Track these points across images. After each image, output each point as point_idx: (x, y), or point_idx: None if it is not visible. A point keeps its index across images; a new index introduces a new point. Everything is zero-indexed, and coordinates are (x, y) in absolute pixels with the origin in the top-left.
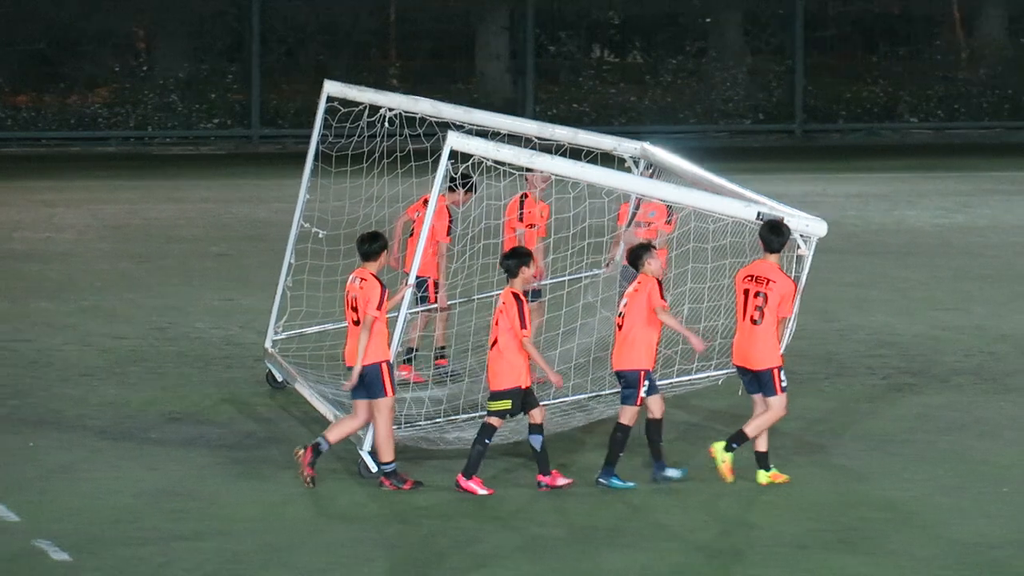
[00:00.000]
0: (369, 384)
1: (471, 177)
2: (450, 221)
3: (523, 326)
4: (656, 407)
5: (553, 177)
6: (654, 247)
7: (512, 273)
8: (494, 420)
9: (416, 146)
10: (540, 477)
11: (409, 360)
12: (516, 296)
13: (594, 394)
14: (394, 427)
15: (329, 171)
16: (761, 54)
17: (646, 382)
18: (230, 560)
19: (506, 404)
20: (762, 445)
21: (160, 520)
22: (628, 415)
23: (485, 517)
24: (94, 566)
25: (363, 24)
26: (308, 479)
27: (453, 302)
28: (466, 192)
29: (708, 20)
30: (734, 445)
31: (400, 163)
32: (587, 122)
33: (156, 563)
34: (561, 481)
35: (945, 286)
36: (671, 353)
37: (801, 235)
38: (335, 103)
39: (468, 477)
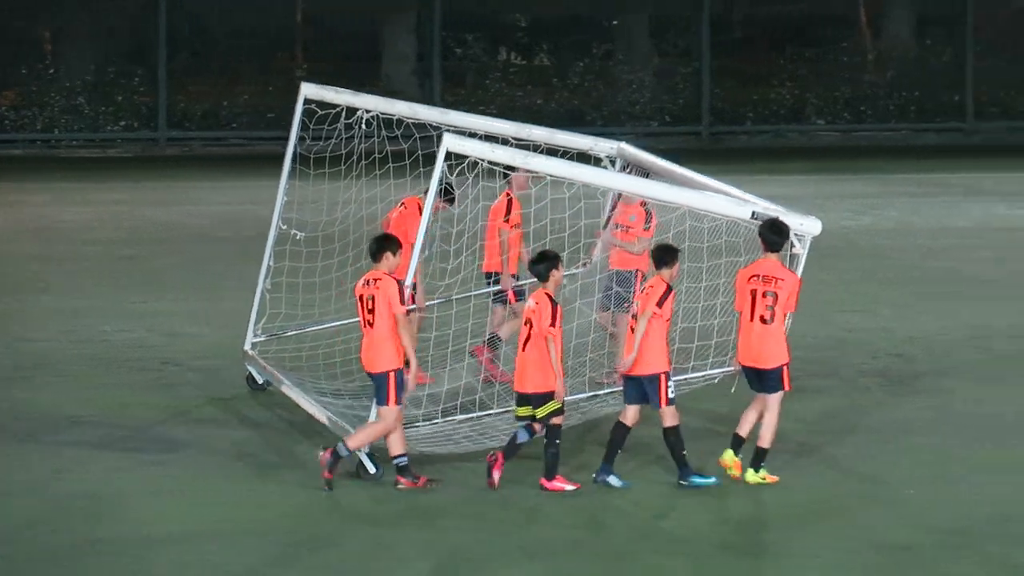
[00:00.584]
0: (376, 390)
1: (453, 190)
2: None
3: (552, 324)
4: (629, 418)
5: (531, 178)
6: (678, 251)
7: (543, 277)
8: (555, 420)
9: (393, 148)
10: (542, 481)
11: None
12: (549, 296)
13: (591, 394)
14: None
15: (307, 173)
16: (668, 56)
17: (669, 383)
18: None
19: (555, 405)
20: (766, 442)
21: (77, 523)
22: (669, 417)
23: (495, 518)
24: (6, 570)
25: (270, 26)
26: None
27: (431, 303)
28: (444, 201)
29: (615, 23)
30: (761, 464)
31: (378, 165)
32: None
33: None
34: (568, 486)
35: (852, 288)
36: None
37: (795, 234)
38: (312, 105)
39: (551, 479)
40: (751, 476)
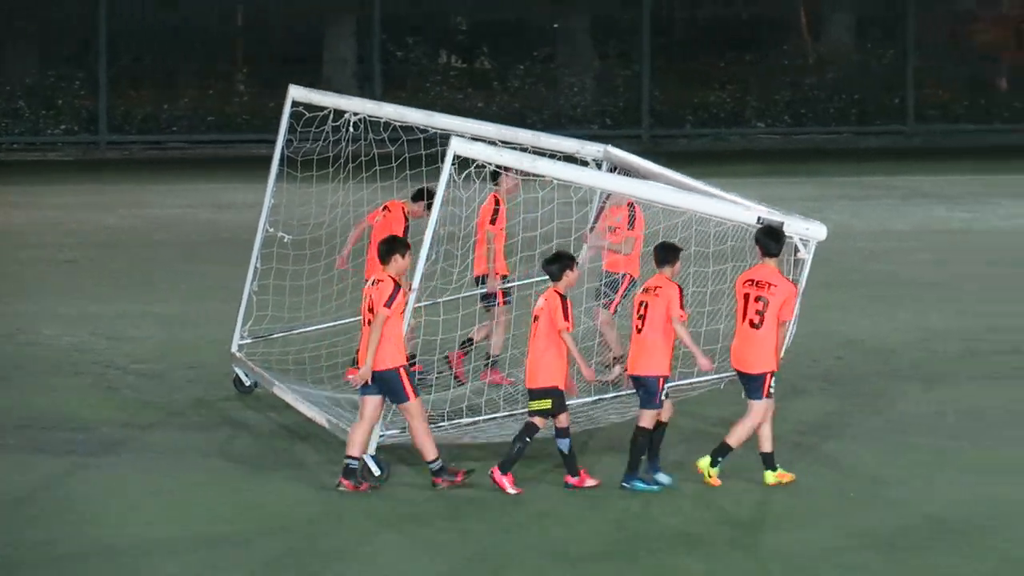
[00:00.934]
0: (391, 390)
1: (432, 197)
2: (406, 227)
3: (565, 318)
4: (664, 412)
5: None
6: (680, 250)
7: (556, 277)
8: (537, 420)
9: (380, 151)
10: (568, 478)
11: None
12: (559, 294)
13: (596, 398)
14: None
15: (295, 176)
16: (608, 59)
17: (665, 387)
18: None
19: (546, 404)
20: (767, 446)
21: (22, 529)
22: (647, 418)
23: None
24: None
25: (210, 30)
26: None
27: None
28: (426, 209)
29: (556, 26)
30: (719, 458)
31: (365, 167)
32: None
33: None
34: (589, 482)
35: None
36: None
37: (800, 239)
38: (300, 108)
39: (504, 472)
40: (769, 477)
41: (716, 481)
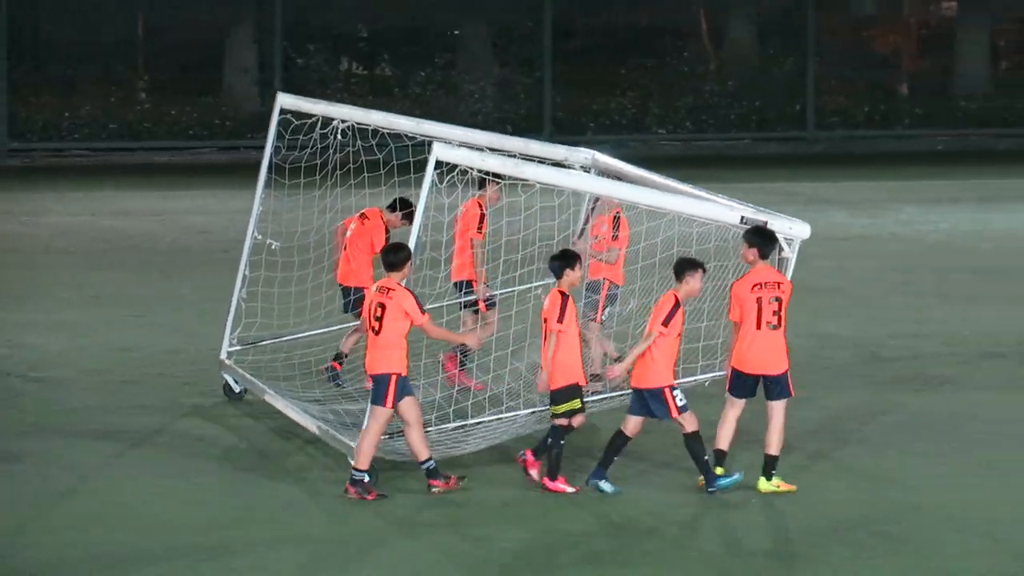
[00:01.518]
0: (375, 390)
1: (412, 207)
2: (387, 236)
3: (560, 320)
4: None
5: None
6: (702, 266)
7: (556, 275)
8: (561, 421)
9: (368, 157)
10: (546, 480)
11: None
12: (562, 293)
13: (533, 410)
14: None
15: (282, 183)
16: (509, 66)
17: (675, 392)
18: None
19: (575, 404)
20: (775, 449)
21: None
22: (688, 423)
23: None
24: None
25: (112, 37)
26: (376, 497)
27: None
28: (402, 219)
29: (456, 32)
30: (773, 472)
31: (353, 174)
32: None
33: None
34: (568, 489)
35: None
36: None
37: (785, 237)
38: (288, 115)
39: (553, 479)
40: (764, 485)
41: (789, 486)
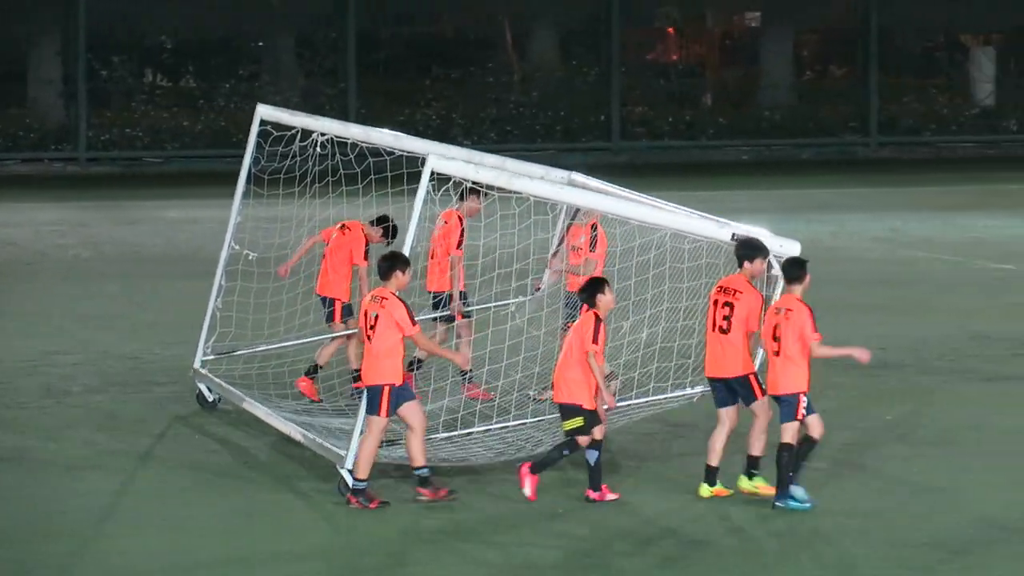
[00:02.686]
0: (369, 400)
1: (391, 222)
2: (366, 249)
3: (594, 341)
4: (814, 428)
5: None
6: (806, 262)
7: (590, 304)
8: (597, 433)
9: (347, 171)
10: (589, 492)
11: (313, 377)
12: (596, 316)
13: (539, 419)
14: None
15: (261, 194)
16: (314, 77)
17: (805, 400)
18: None
19: (578, 422)
20: (757, 449)
21: None
22: (789, 434)
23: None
24: None
25: None
26: (378, 505)
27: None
28: (382, 236)
29: (260, 44)
30: (752, 471)
31: (332, 187)
32: (139, 146)
33: None
34: (610, 496)
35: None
36: (643, 373)
37: (775, 255)
38: (268, 127)
39: (597, 489)
40: (744, 483)
41: (769, 488)
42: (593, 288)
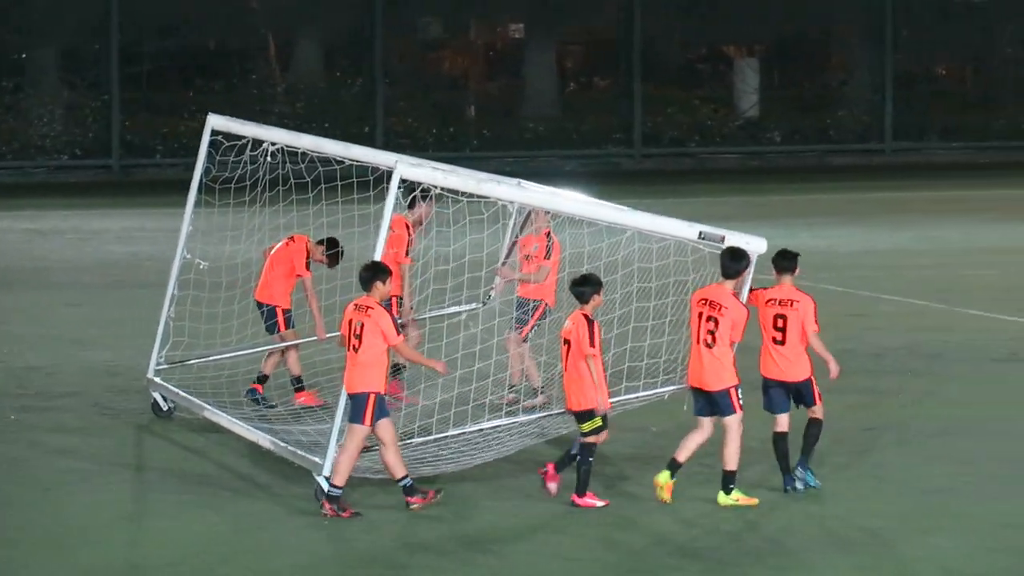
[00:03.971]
0: (353, 409)
1: (338, 245)
2: (307, 261)
3: (591, 344)
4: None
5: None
6: (798, 256)
7: (584, 299)
8: (591, 439)
9: (297, 180)
10: (575, 497)
11: (302, 388)
12: (586, 317)
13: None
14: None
15: (212, 203)
16: (77, 89)
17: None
18: None
19: (597, 422)
20: (732, 464)
21: None
22: (816, 411)
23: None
24: None
25: None
26: (351, 515)
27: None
28: (326, 256)
29: (23, 56)
30: (730, 486)
31: (282, 196)
32: None
33: None
34: (597, 503)
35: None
36: (615, 373)
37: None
38: (219, 137)
39: (581, 495)
40: (723, 499)
41: (750, 500)
42: (593, 286)
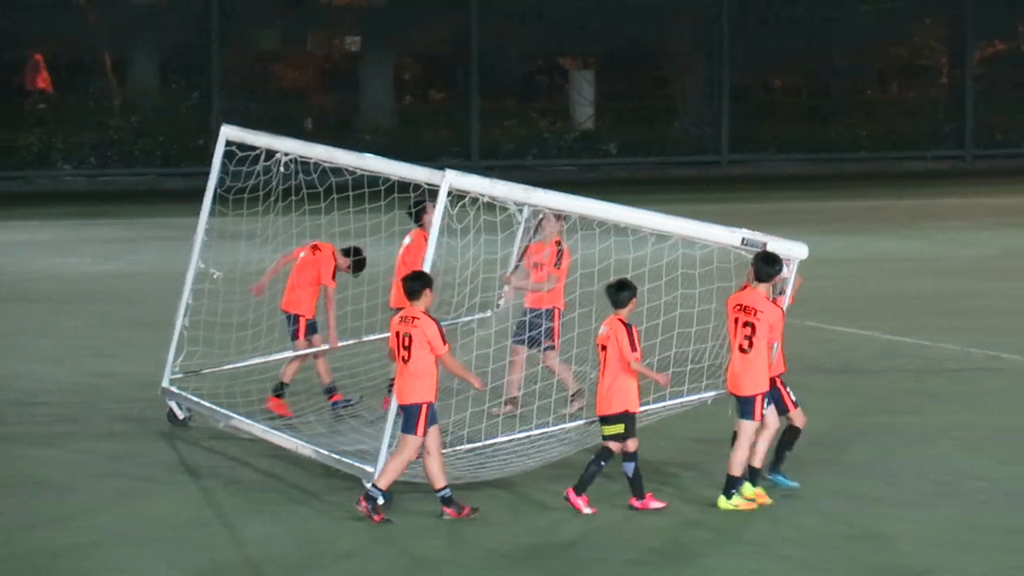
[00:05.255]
0: (405, 419)
1: (362, 253)
2: (334, 271)
3: (633, 348)
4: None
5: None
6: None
7: (622, 304)
8: (611, 444)
9: (310, 190)
10: (633, 500)
11: (280, 394)
12: (623, 322)
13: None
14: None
15: (225, 213)
16: None
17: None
18: None
19: (619, 428)
20: (737, 470)
21: None
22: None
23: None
24: None
25: None
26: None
27: (346, 342)
28: (349, 267)
29: None
30: (732, 491)
31: (295, 207)
32: None
33: None
34: (655, 504)
35: (103, 333)
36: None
37: (783, 258)
38: (232, 147)
39: (579, 493)
40: (723, 503)
41: (749, 504)
42: (631, 290)
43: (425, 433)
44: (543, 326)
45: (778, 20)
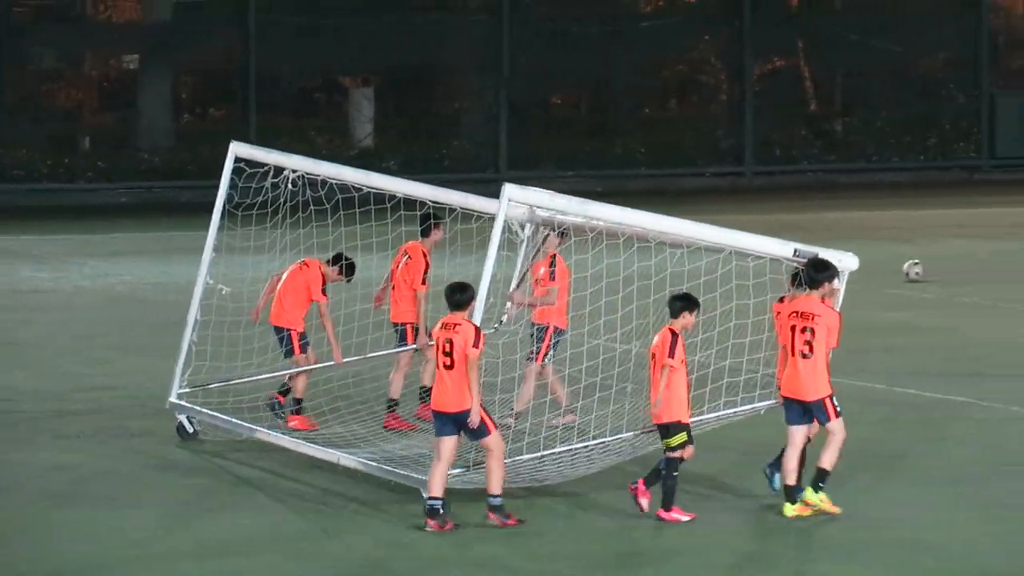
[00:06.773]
0: (468, 430)
1: (349, 262)
2: (323, 286)
3: (671, 355)
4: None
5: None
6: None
7: (674, 314)
8: (676, 453)
9: (317, 207)
10: (660, 512)
11: (299, 411)
12: (672, 331)
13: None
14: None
15: (234, 229)
16: None
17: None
18: None
19: (683, 436)
20: (791, 479)
21: None
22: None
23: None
24: None
25: None
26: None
27: (351, 358)
28: (339, 274)
29: None
30: (820, 484)
31: (302, 223)
32: None
33: None
34: (683, 518)
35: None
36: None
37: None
38: (241, 164)
39: (668, 509)
40: (810, 495)
41: (833, 507)
42: (687, 303)
43: (496, 426)
44: (541, 341)
45: (561, 37)
